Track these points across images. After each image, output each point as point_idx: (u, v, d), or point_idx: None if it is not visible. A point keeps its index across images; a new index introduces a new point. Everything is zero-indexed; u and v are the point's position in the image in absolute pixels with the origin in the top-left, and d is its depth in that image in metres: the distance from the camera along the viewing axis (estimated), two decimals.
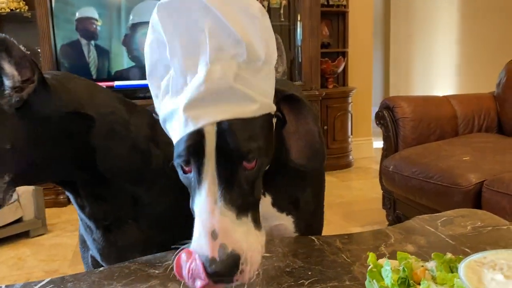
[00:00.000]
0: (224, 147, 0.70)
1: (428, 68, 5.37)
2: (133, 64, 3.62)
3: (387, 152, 2.62)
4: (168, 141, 1.12)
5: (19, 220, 2.84)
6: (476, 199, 1.89)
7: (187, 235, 0.81)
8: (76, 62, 3.58)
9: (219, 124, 0.71)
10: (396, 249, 0.91)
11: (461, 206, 1.89)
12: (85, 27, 3.55)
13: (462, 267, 0.44)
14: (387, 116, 2.60)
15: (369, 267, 0.58)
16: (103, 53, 3.58)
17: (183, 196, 1.10)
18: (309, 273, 0.81)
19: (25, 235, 2.89)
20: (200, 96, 0.71)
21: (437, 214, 1.12)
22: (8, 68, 0.83)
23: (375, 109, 2.98)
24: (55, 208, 3.44)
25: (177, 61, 0.75)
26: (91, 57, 3.58)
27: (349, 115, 4.46)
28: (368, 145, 4.99)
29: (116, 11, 3.58)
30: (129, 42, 3.60)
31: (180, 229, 1.07)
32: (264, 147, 0.76)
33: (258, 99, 0.76)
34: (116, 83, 3.55)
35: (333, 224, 2.87)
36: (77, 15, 3.54)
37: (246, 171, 0.74)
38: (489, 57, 4.24)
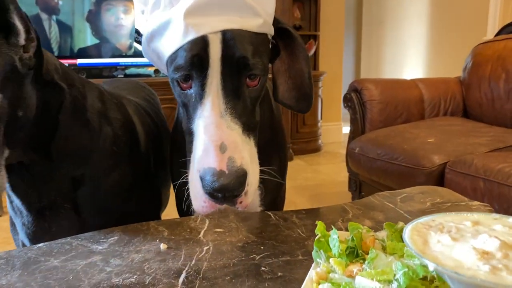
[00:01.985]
0: (230, 57, 0.66)
1: (399, 54, 5.40)
2: (97, 41, 3.48)
3: (354, 134, 2.62)
4: (118, 116, 1.06)
5: None
6: (439, 180, 1.90)
7: (128, 221, 0.76)
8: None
9: (224, 33, 0.67)
10: None
11: None
12: (45, 1, 3.38)
13: (408, 229, 0.41)
14: (355, 99, 2.59)
15: (317, 237, 0.55)
16: (65, 29, 3.43)
17: (127, 179, 1.04)
18: (261, 247, 0.78)
19: None
20: (203, 3, 0.67)
21: (398, 190, 1.10)
22: (18, 23, 0.77)
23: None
24: None
25: None
26: (52, 33, 3.42)
27: (319, 99, 4.45)
28: (337, 130, 5.01)
29: None
30: (93, 18, 3.46)
31: (121, 214, 1.01)
32: (267, 66, 0.72)
33: (262, 14, 0.72)
34: (79, 61, 3.41)
35: (298, 206, 2.86)
36: None
37: (249, 88, 0.70)
38: (458, 42, 4.29)
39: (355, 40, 6.64)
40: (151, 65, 3.38)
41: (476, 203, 1.00)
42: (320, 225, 0.55)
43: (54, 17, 3.39)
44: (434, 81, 2.84)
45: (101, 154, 0.97)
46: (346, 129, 4.94)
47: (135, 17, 0.80)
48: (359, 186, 2.58)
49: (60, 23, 3.41)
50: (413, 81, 2.77)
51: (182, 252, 0.77)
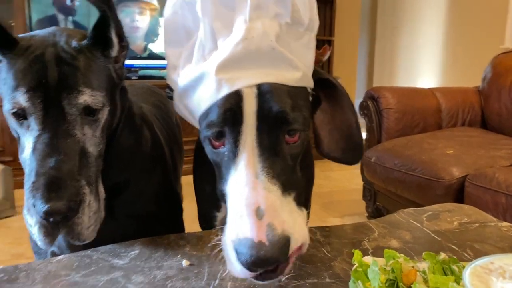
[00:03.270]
0: (267, 112, 0.61)
1: (413, 61, 5.35)
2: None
3: (369, 143, 2.58)
4: (149, 120, 1.05)
5: None
6: (458, 193, 1.86)
7: (168, 228, 0.71)
8: None
9: (260, 87, 0.62)
10: (379, 244, 0.85)
11: (443, 200, 1.86)
12: (62, 2, 3.39)
13: (467, 274, 0.38)
14: (371, 107, 2.55)
15: (354, 267, 0.52)
16: (81, 29, 3.43)
17: (161, 182, 1.03)
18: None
19: None
20: (237, 56, 0.62)
21: (422, 208, 1.07)
22: (114, 37, 0.78)
23: (358, 101, 2.93)
24: None
25: (208, 21, 0.66)
26: None
27: None
28: None
29: None
30: None
31: (153, 218, 1.00)
32: (308, 120, 0.67)
33: (300, 67, 0.67)
34: None
35: (312, 214, 2.82)
36: None
37: (288, 145, 0.64)
38: (474, 50, 4.23)
39: (369, 45, 6.59)
40: (165, 67, 3.37)
41: (506, 224, 0.97)
42: (357, 254, 0.53)
43: (70, 18, 3.40)
44: (452, 90, 2.79)
45: (143, 158, 0.97)
46: None
47: (167, 72, 0.76)
48: (373, 196, 2.54)
49: (76, 24, 3.41)
50: (431, 90, 2.73)
51: (205, 270, 0.75)
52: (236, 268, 0.56)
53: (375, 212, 2.55)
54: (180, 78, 0.70)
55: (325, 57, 4.41)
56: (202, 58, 0.66)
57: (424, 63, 5.14)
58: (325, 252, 0.82)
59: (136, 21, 3.49)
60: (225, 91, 0.62)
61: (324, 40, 4.46)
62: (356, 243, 0.86)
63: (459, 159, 1.98)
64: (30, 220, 0.69)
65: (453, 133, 2.42)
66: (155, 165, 1.03)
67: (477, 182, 1.77)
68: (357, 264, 0.52)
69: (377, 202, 2.52)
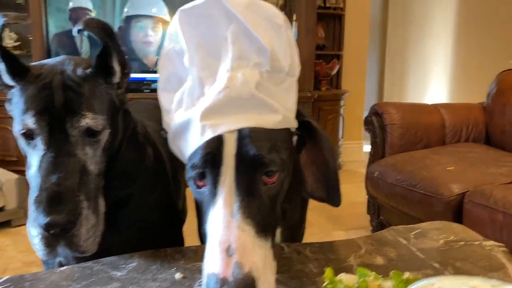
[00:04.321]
0: (245, 155, 0.65)
1: (423, 76, 5.37)
2: (126, 57, 3.58)
3: (374, 157, 2.62)
4: (151, 137, 1.10)
5: (1, 209, 2.81)
6: (457, 209, 1.89)
7: (167, 240, 0.75)
8: (68, 53, 3.54)
9: (240, 131, 0.66)
10: (364, 261, 0.89)
11: (443, 216, 1.88)
12: (78, 17, 3.52)
13: None
14: (376, 122, 2.59)
15: (325, 284, 0.57)
16: (96, 45, 3.52)
17: (164, 196, 1.09)
18: None
19: (6, 224, 2.86)
20: (219, 103, 0.67)
21: (412, 225, 1.10)
22: (116, 66, 0.85)
23: (367, 113, 2.97)
24: None
25: (195, 70, 0.72)
26: (84, 48, 3.54)
27: (341, 118, 4.45)
28: (358, 148, 4.99)
29: (111, 2, 3.55)
30: (123, 34, 3.57)
31: (155, 231, 1.06)
32: (286, 161, 0.70)
33: (280, 111, 0.71)
34: None
35: (316, 227, 2.86)
36: (71, 4, 3.51)
37: (266, 186, 0.67)
38: (482, 67, 4.24)
39: (379, 59, 6.62)
40: None
41: (490, 243, 0.99)
42: (328, 272, 0.57)
43: (85, 32, 3.50)
44: (456, 106, 2.82)
45: (146, 174, 1.02)
46: (367, 147, 4.92)
47: (162, 115, 0.82)
48: (377, 210, 2.57)
49: (91, 39, 3.53)
50: (435, 106, 2.76)
51: (197, 282, 0.80)
52: None
53: (379, 226, 2.57)
54: (173, 122, 0.76)
55: (334, 72, 4.46)
56: (191, 104, 0.72)
57: (433, 78, 5.16)
58: (312, 268, 0.86)
59: (149, 36, 3.59)
60: (208, 135, 0.66)
61: (334, 54, 4.51)
62: (342, 259, 0.90)
63: (459, 175, 2.00)
64: (33, 231, 0.76)
65: (456, 149, 2.44)
66: (157, 180, 1.08)
67: (475, 199, 1.80)
68: (327, 281, 0.57)
69: (381, 216, 2.55)
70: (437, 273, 0.84)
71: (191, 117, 0.69)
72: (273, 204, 0.68)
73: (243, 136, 0.66)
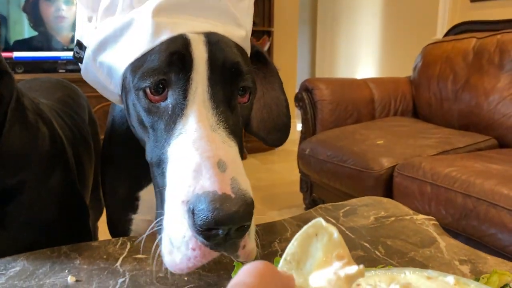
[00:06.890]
0: (220, 61, 0.53)
1: (352, 51, 5.43)
2: (36, 33, 3.25)
3: (305, 134, 2.57)
4: (47, 116, 0.95)
5: None
6: (388, 183, 1.88)
7: (71, 237, 0.61)
8: None
9: (208, 36, 0.54)
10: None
11: (373, 190, 1.86)
12: None
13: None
14: (306, 98, 2.54)
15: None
16: None
17: (62, 185, 0.93)
18: (185, 278, 0.69)
19: None
20: (177, 1, 0.54)
21: (342, 202, 1.04)
22: None
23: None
24: None
25: None
26: None
27: None
28: (292, 127, 4.97)
29: None
30: (31, 8, 3.22)
31: (52, 226, 0.90)
32: (255, 82, 0.60)
33: (243, 27, 0.61)
34: (16, 54, 3.17)
35: None
36: None
37: (239, 105, 0.57)
38: (409, 41, 4.34)
39: (310, 37, 6.63)
40: None
41: (421, 216, 0.95)
42: (237, 267, 0.47)
43: None
44: (384, 80, 2.84)
45: (40, 157, 0.86)
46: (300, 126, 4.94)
47: (77, 26, 0.66)
48: (310, 188, 2.54)
49: None
50: (364, 81, 2.76)
51: (93, 286, 0.67)
52: (184, 253, 0.46)
53: (312, 203, 2.55)
54: (98, 31, 0.60)
55: (265, 48, 4.37)
56: (129, 7, 0.57)
57: (363, 54, 5.23)
58: (231, 257, 0.76)
59: (61, 10, 3.27)
60: (166, 35, 0.53)
61: (264, 30, 4.42)
62: (266, 245, 0.81)
63: (389, 149, 2.00)
64: None
65: (385, 123, 2.45)
66: (54, 165, 0.93)
67: (404, 172, 1.79)
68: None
69: (313, 193, 2.52)
70: (367, 254, 0.78)
71: (134, 17, 0.55)
72: (242, 128, 0.58)
73: (213, 41, 0.54)
